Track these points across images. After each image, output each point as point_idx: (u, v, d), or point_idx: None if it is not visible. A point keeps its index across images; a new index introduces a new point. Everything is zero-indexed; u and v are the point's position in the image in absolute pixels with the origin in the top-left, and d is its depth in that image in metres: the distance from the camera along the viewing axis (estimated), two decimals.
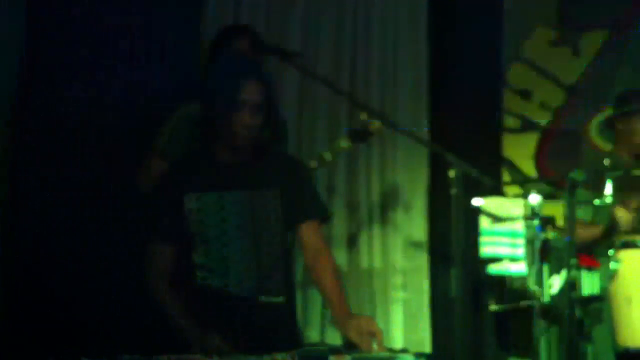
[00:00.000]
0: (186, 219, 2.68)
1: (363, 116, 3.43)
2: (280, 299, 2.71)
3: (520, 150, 4.75)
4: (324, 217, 2.86)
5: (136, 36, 3.97)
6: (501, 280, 3.63)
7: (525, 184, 4.48)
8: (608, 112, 4.29)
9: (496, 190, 4.03)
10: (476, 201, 3.57)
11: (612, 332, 3.52)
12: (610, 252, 3.54)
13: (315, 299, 4.08)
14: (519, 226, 3.55)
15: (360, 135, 3.73)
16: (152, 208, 2.80)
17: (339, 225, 4.37)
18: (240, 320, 2.63)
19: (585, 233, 3.70)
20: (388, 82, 4.50)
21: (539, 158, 4.73)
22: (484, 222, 3.53)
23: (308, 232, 2.74)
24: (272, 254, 2.71)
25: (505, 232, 3.52)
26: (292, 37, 4.39)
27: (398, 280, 4.40)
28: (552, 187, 4.22)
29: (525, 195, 3.73)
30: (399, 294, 4.39)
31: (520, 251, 3.49)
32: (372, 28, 4.51)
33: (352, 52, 4.49)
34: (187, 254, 2.70)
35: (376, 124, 3.59)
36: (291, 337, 2.74)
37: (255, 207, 2.69)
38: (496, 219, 3.58)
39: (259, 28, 4.11)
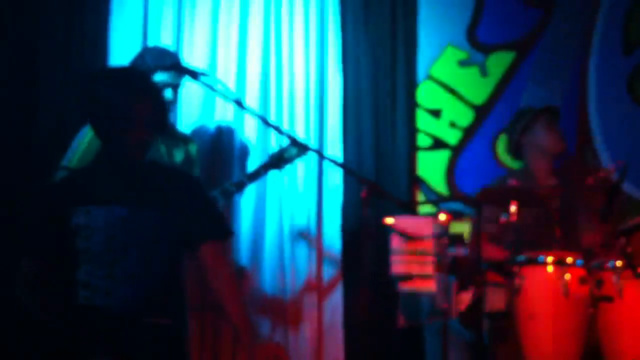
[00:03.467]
0: (73, 235, 2.60)
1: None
2: (168, 320, 2.64)
3: (433, 169, 4.84)
4: (225, 237, 2.81)
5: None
6: (411, 298, 3.68)
7: (437, 203, 4.58)
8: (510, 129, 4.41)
9: (408, 209, 4.08)
10: (387, 220, 3.62)
11: (518, 349, 3.59)
12: (515, 268, 3.62)
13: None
14: (429, 244, 3.60)
15: (276, 162, 3.77)
16: (28, 221, 2.70)
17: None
18: (123, 342, 2.56)
19: (491, 250, 3.79)
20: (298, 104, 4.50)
21: (450, 177, 4.83)
22: (395, 241, 3.57)
23: (207, 253, 2.68)
24: (160, 275, 2.64)
25: (415, 251, 3.57)
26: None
27: (311, 298, 4.40)
28: (463, 205, 4.32)
29: (435, 214, 3.80)
30: (313, 312, 4.39)
31: (430, 269, 3.55)
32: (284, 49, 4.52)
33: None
34: (69, 271, 2.61)
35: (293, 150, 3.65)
36: None
37: (144, 226, 2.61)
38: (407, 237, 3.62)
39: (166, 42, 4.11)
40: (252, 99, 4.37)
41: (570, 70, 4.97)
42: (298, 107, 4.47)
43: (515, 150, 4.32)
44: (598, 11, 4.97)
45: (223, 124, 4.33)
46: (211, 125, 4.32)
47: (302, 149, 3.70)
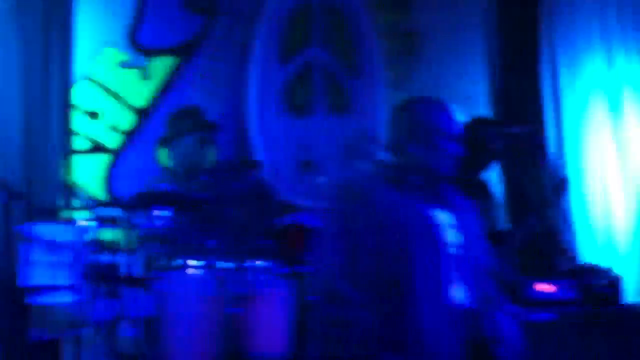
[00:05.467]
0: None
1: None
2: None
3: (89, 173, 4.70)
4: None
5: None
6: (48, 309, 3.53)
7: (91, 208, 4.44)
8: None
9: (54, 215, 3.92)
10: (26, 228, 3.45)
11: (164, 352, 3.59)
12: (162, 272, 3.62)
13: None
14: (71, 252, 3.49)
15: None
16: None
17: None
18: None
19: None
20: None
21: (108, 181, 4.73)
22: (32, 250, 3.41)
23: None
24: None
25: (54, 260, 3.43)
26: None
27: None
28: (120, 210, 4.23)
29: (85, 220, 3.69)
30: None
31: (71, 278, 3.44)
32: None
33: None
34: None
35: None
36: None
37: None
38: (48, 245, 3.48)
39: None
40: None
41: (231, 77, 5.11)
42: None
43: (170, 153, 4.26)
44: (258, 20, 5.17)
45: None
46: None
47: None
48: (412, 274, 2.41)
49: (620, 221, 4.74)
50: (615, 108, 4.85)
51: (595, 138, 4.87)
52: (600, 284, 3.86)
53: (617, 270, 4.13)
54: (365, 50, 5.23)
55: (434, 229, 2.47)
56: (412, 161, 2.52)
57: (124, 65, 4.87)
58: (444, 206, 2.54)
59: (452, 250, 2.49)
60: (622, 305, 3.93)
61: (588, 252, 4.75)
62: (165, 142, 4.11)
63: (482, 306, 2.52)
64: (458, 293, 2.48)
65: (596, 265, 4.18)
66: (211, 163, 4.10)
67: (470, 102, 4.89)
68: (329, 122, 5.17)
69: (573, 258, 4.31)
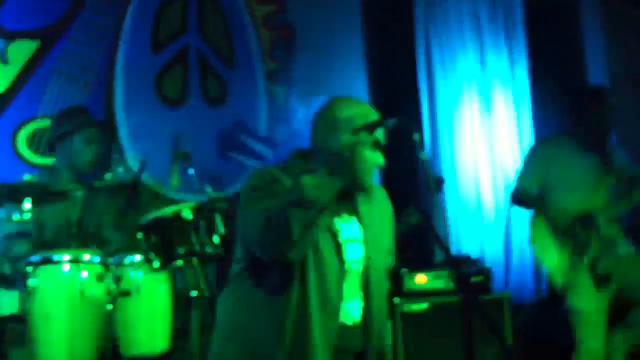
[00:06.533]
0: None
1: None
2: None
3: None
4: None
5: None
6: None
7: None
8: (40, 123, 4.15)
9: None
10: None
11: (32, 352, 3.38)
12: (28, 268, 3.40)
13: None
14: None
15: None
16: None
17: None
18: None
19: None
20: None
21: None
22: None
23: None
24: None
25: None
26: None
27: None
28: None
29: None
30: None
31: None
32: None
33: None
34: None
35: None
36: None
37: None
38: None
39: None
40: None
41: (98, 65, 4.88)
42: None
43: (49, 147, 4.03)
44: (129, 7, 4.96)
45: None
46: None
47: None
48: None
49: (490, 213, 4.92)
50: (486, 104, 5.04)
51: (467, 132, 5.03)
52: (473, 273, 3.98)
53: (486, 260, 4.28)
54: (242, 41, 5.14)
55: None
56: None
57: None
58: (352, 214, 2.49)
59: (352, 266, 2.46)
60: (492, 294, 4.07)
61: (461, 244, 4.91)
62: (54, 141, 3.87)
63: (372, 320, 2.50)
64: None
65: (468, 256, 4.32)
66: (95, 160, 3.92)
67: (349, 94, 4.91)
68: (204, 112, 5.05)
69: (447, 249, 4.45)
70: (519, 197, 4.03)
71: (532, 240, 3.99)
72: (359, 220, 2.50)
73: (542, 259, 3.97)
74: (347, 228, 2.48)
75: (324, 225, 2.40)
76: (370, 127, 2.42)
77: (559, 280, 3.87)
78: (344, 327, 2.44)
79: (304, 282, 2.37)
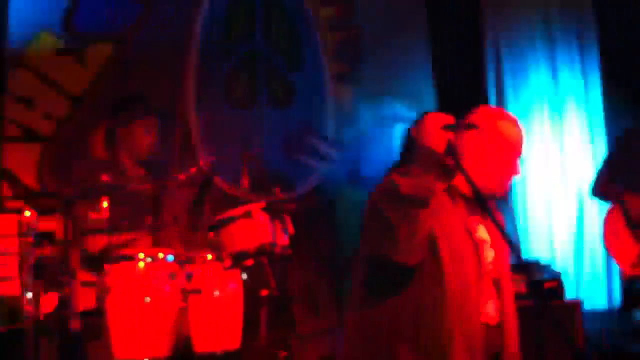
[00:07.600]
0: None
1: None
2: None
3: (22, 162, 4.51)
4: None
5: None
6: None
7: (26, 198, 4.27)
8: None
9: None
10: None
11: (108, 347, 3.47)
12: (105, 265, 3.49)
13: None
14: (12, 243, 3.33)
15: None
16: None
17: None
18: None
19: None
20: None
21: (41, 170, 4.55)
22: None
23: None
24: None
25: None
26: None
27: None
28: (54, 200, 4.07)
29: (20, 210, 3.52)
30: None
31: (13, 270, 3.28)
32: None
33: None
34: None
35: None
36: None
37: None
38: None
39: None
40: None
41: (170, 66, 4.98)
42: None
43: (108, 136, 4.12)
44: (200, 12, 5.05)
45: None
46: None
47: None
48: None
49: (562, 227, 4.87)
50: (559, 120, 4.97)
51: (538, 145, 4.98)
52: (546, 280, 3.96)
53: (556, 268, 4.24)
54: (309, 43, 5.19)
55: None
56: None
57: (60, 51, 4.69)
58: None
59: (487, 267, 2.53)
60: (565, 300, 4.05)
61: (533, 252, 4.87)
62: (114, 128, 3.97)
63: None
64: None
65: (537, 261, 4.29)
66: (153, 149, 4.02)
67: (416, 98, 4.92)
68: (272, 114, 5.11)
69: (519, 255, 4.47)
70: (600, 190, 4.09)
71: (605, 231, 4.01)
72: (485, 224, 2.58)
73: (612, 250, 3.97)
74: (481, 230, 2.56)
75: (461, 225, 2.47)
76: None
77: (627, 270, 3.89)
78: (486, 328, 2.48)
79: (440, 283, 2.41)
